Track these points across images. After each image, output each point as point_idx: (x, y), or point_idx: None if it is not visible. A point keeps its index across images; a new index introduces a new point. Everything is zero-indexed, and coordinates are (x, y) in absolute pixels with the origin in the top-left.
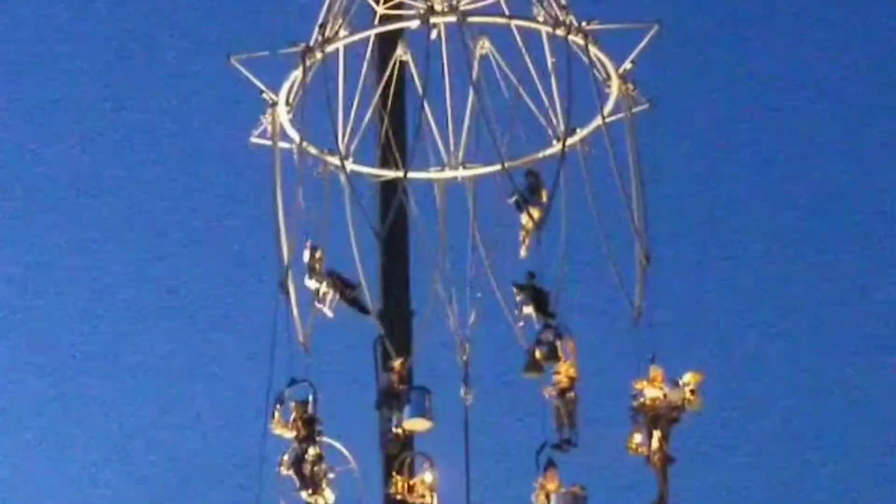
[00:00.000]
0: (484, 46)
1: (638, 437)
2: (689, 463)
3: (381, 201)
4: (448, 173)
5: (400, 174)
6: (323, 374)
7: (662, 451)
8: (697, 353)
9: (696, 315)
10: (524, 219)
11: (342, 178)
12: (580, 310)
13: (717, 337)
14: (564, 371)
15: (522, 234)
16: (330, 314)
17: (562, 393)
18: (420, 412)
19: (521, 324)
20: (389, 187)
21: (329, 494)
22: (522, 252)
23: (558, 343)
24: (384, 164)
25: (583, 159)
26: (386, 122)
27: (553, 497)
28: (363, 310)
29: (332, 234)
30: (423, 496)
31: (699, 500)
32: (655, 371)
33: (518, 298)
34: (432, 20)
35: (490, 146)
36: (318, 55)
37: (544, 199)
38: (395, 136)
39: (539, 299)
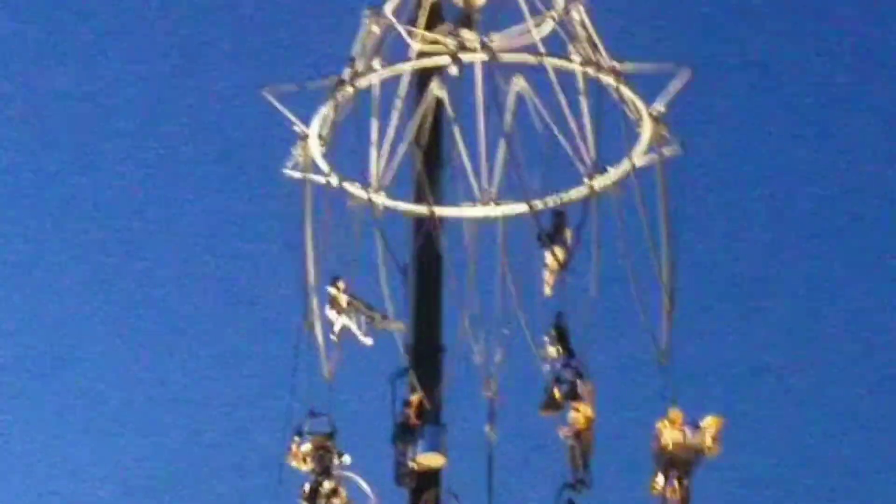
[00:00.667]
0: (519, 84)
1: (660, 479)
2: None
3: (414, 236)
4: (476, 210)
5: (426, 210)
6: (345, 406)
7: (682, 493)
8: (720, 397)
9: (720, 359)
10: (549, 258)
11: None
12: (605, 350)
13: (741, 382)
14: (582, 411)
15: (547, 273)
16: (368, 342)
17: (578, 434)
18: (434, 447)
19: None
20: (424, 222)
21: None
22: (547, 291)
23: (578, 382)
24: (418, 199)
25: (613, 201)
26: (420, 156)
27: None
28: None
29: (365, 268)
30: None
31: None
32: (675, 413)
33: (547, 339)
34: (462, 57)
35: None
36: (350, 89)
37: (569, 239)
38: (430, 172)
39: (562, 337)
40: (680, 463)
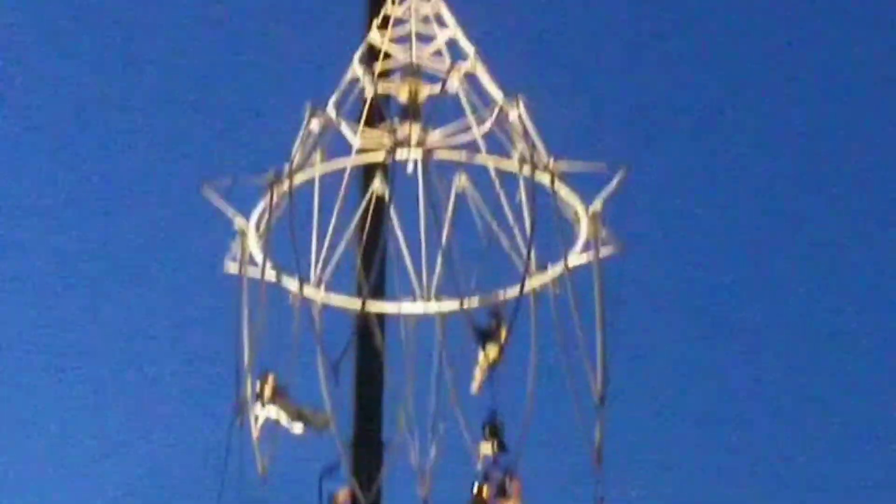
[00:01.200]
0: (460, 181)
1: None
2: None
3: (355, 330)
4: (409, 306)
5: (358, 305)
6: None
7: None
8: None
9: (653, 458)
10: (480, 356)
11: (308, 305)
12: (538, 448)
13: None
14: None
15: (477, 370)
16: (298, 429)
17: None
18: None
19: (480, 461)
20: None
21: None
22: (474, 388)
23: (506, 480)
24: (360, 293)
25: (550, 299)
26: (359, 252)
27: None
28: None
29: (304, 362)
30: None
31: None
32: None
33: (482, 436)
34: (397, 155)
35: (466, 279)
36: (285, 184)
37: (503, 337)
38: (370, 267)
39: (496, 434)
40: None
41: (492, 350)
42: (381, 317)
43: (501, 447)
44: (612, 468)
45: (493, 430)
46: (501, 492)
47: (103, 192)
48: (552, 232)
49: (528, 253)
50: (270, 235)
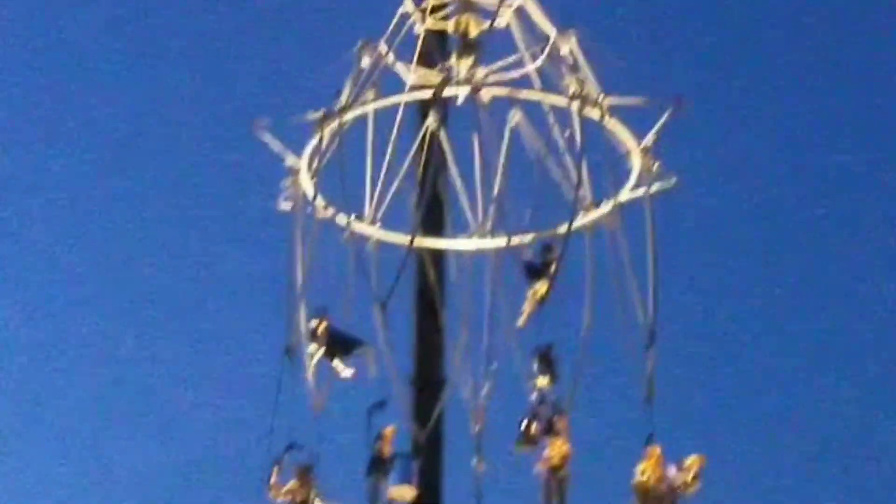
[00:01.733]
0: (516, 117)
1: None
2: None
3: (419, 269)
4: (457, 243)
5: (406, 241)
6: (334, 439)
7: None
8: (703, 435)
9: (704, 397)
10: (529, 291)
11: (362, 242)
12: (590, 384)
13: (724, 420)
14: (557, 448)
15: (526, 304)
16: (344, 373)
17: (553, 469)
18: (404, 479)
19: (535, 394)
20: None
21: None
22: (520, 322)
23: (554, 418)
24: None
25: (606, 234)
26: (416, 188)
27: None
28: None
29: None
30: None
31: None
32: (653, 450)
33: (535, 369)
34: (446, 92)
35: (520, 216)
36: (336, 123)
37: (553, 273)
38: (427, 204)
39: (552, 367)
40: (659, 499)
41: (541, 286)
42: (440, 254)
43: (554, 379)
44: (663, 404)
45: (548, 363)
46: (549, 429)
47: (154, 132)
48: (609, 168)
49: (577, 188)
50: (322, 172)
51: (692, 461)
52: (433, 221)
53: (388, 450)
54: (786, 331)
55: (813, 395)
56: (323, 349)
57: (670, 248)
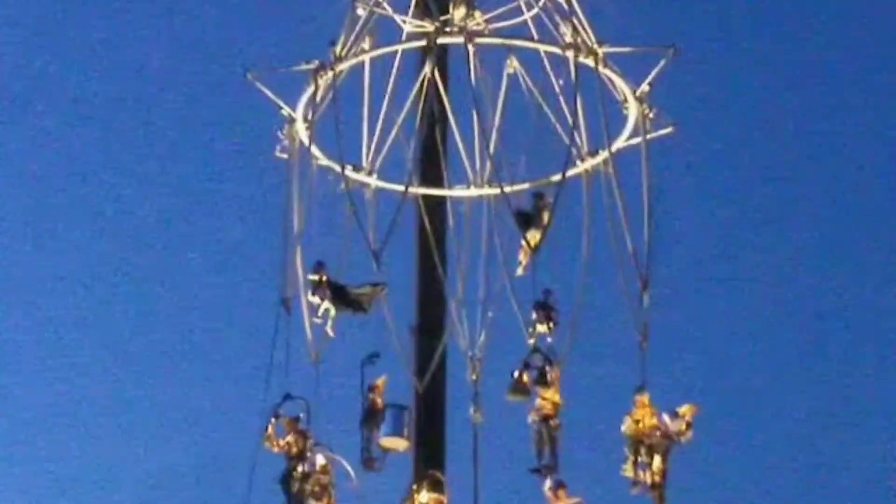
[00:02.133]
0: (512, 65)
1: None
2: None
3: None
4: (452, 192)
5: (401, 188)
6: (332, 389)
7: (655, 477)
8: (696, 384)
9: (698, 346)
10: (522, 240)
11: (359, 190)
12: (584, 332)
13: (717, 369)
14: (550, 397)
15: (522, 254)
16: (331, 333)
17: (545, 419)
18: (396, 431)
19: (533, 341)
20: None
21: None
22: (519, 271)
23: (546, 368)
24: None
25: (586, 185)
26: (415, 137)
27: None
28: (360, 308)
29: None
30: None
31: None
32: (643, 398)
33: (534, 317)
34: (439, 40)
35: (524, 163)
36: (330, 73)
37: (545, 221)
38: (425, 153)
39: (550, 313)
40: (652, 447)
41: (533, 235)
42: (439, 203)
43: (554, 326)
44: (658, 353)
45: (547, 309)
46: (541, 379)
47: (144, 85)
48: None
49: (571, 136)
50: (319, 123)
51: (685, 409)
52: (432, 171)
53: (380, 401)
54: (785, 277)
55: (812, 343)
56: (327, 301)
57: (666, 196)
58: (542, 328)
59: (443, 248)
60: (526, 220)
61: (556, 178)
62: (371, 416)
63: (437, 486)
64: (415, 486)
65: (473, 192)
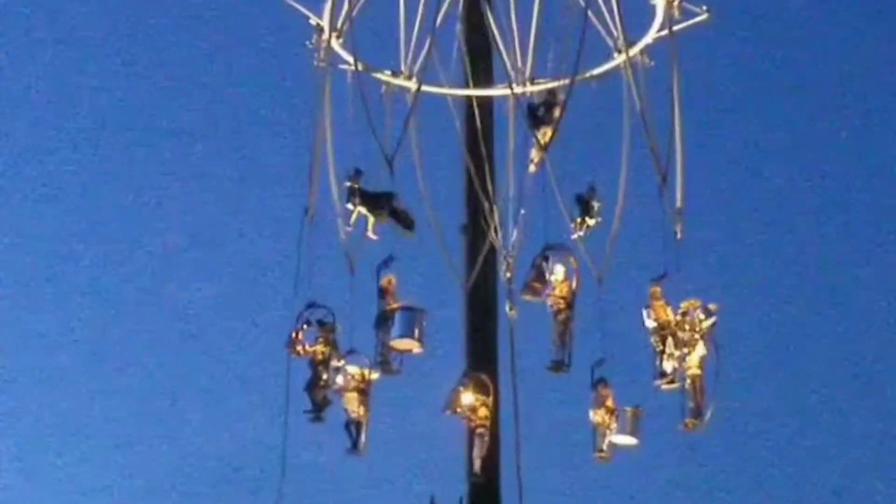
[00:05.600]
0: None
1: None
2: None
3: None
4: (458, 91)
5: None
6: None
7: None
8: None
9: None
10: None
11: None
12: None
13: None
14: (558, 291)
15: (534, 152)
16: (374, 237)
17: (556, 314)
18: (406, 332)
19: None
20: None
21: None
22: (531, 168)
23: (544, 265)
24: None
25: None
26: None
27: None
28: (406, 222)
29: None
30: (485, 418)
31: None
32: (654, 290)
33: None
34: None
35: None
36: None
37: (556, 118)
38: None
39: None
40: (680, 340)
41: (545, 132)
42: (480, 104)
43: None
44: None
45: (587, 205)
46: (540, 276)
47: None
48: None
49: (582, 31)
50: (343, 28)
51: (687, 304)
52: (476, 70)
53: (392, 302)
54: (816, 174)
55: (842, 236)
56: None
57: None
58: (589, 221)
59: (486, 148)
60: (536, 117)
61: (597, 71)
62: (383, 320)
63: (482, 388)
64: (460, 388)
65: (483, 91)
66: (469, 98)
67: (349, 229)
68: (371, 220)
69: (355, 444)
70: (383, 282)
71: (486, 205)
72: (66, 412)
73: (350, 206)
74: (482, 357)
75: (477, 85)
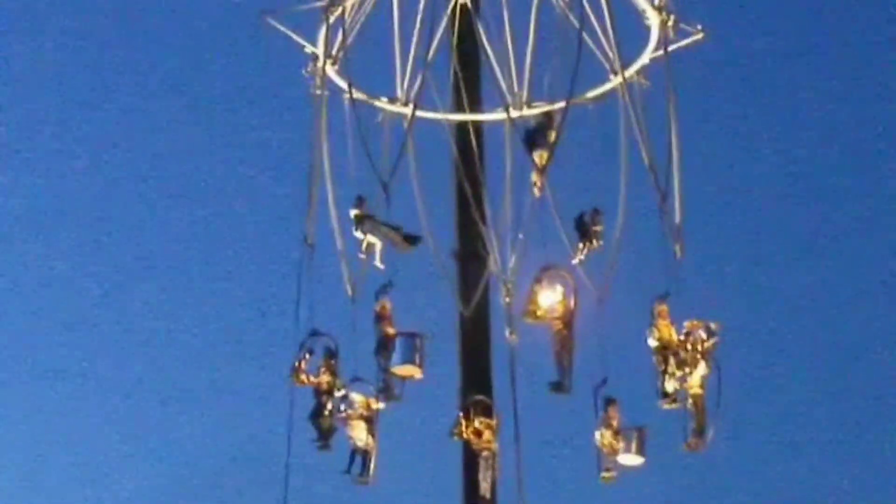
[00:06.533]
0: None
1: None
2: None
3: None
4: (455, 116)
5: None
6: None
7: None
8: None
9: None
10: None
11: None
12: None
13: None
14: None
15: (534, 175)
16: (380, 265)
17: (556, 332)
18: (408, 358)
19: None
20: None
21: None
22: (536, 192)
23: (536, 288)
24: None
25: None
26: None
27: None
28: (412, 239)
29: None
30: (489, 441)
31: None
32: (661, 308)
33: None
34: None
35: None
36: (339, 9)
37: (552, 141)
38: (460, 78)
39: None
40: (682, 360)
41: (541, 155)
42: (474, 129)
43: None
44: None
45: (585, 229)
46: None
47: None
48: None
49: (577, 54)
50: (337, 55)
51: (690, 324)
52: (467, 96)
53: (390, 329)
54: (816, 192)
55: (837, 246)
56: (370, 235)
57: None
58: (590, 245)
59: (477, 173)
60: (530, 140)
61: (592, 94)
62: (383, 346)
63: (486, 411)
64: (463, 413)
65: (479, 117)
66: (463, 123)
67: (362, 256)
68: (379, 247)
69: (362, 473)
70: (377, 307)
71: (483, 229)
72: (67, 412)
73: (359, 234)
74: (478, 381)
75: (471, 110)
